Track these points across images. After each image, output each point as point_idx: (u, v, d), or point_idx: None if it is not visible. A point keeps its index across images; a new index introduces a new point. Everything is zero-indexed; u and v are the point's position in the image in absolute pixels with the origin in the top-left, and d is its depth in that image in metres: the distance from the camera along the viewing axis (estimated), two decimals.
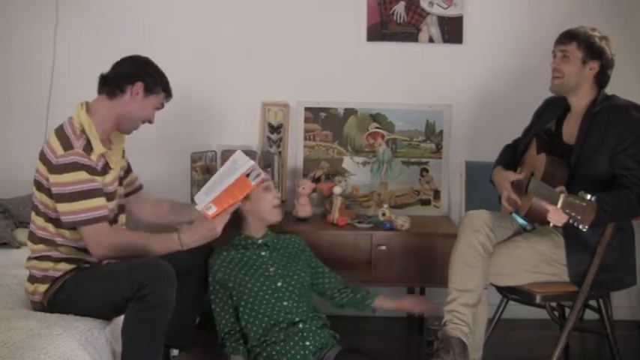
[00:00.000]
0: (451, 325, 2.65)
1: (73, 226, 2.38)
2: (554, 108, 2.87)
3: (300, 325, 2.59)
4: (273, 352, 2.54)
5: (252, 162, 2.54)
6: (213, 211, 2.49)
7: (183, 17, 3.74)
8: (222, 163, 3.70)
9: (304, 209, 3.54)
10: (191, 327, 2.71)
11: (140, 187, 2.83)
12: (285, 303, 2.63)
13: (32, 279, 2.46)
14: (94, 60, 3.74)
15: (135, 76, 2.48)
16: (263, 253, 2.75)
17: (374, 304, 2.83)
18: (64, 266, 2.44)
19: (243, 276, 2.67)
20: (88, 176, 2.35)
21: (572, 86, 2.70)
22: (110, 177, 2.49)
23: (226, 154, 3.72)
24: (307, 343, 2.55)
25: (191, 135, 3.77)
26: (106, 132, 2.51)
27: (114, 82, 2.48)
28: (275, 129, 3.77)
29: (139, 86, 2.48)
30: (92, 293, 2.36)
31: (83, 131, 2.41)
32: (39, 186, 2.42)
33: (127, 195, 2.74)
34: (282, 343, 2.55)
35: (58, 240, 2.44)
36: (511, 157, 2.96)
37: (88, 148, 2.40)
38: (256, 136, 3.78)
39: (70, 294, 2.39)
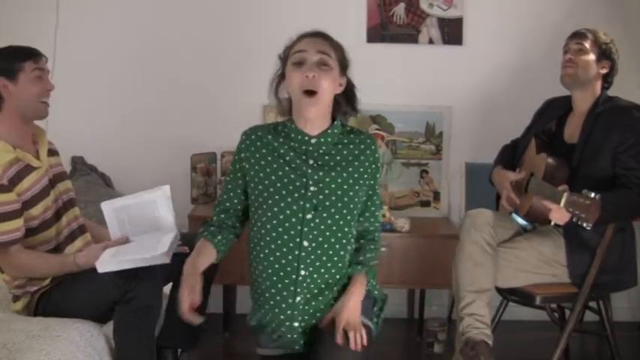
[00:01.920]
0: (474, 330, 2.59)
1: None
2: (555, 108, 2.88)
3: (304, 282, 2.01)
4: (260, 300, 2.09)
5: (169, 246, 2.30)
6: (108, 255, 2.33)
7: (184, 18, 3.74)
8: (223, 165, 3.72)
9: None
10: (195, 329, 2.69)
11: None
12: (305, 243, 2.00)
13: (14, 298, 2.46)
14: (95, 62, 3.78)
15: None
16: (309, 171, 2.04)
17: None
18: (38, 280, 2.40)
19: (267, 186, 2.04)
20: None
21: (585, 80, 2.72)
22: (34, 177, 2.38)
23: (227, 155, 3.72)
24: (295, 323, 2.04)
25: (191, 137, 3.77)
26: (19, 136, 2.40)
27: None
28: None
29: (1, 82, 2.35)
30: (81, 299, 2.34)
31: None
32: None
33: None
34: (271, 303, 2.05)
35: None
36: (510, 157, 2.96)
37: None
38: None
39: (59, 303, 2.37)
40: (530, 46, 3.69)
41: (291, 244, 2.01)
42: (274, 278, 2.04)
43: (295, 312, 2.04)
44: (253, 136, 2.10)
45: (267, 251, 2.04)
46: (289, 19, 3.74)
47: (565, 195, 2.26)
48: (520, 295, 2.73)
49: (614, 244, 2.63)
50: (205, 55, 3.75)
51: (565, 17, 3.62)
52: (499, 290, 2.82)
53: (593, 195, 2.21)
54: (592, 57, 2.71)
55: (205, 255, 2.08)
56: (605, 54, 2.72)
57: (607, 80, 2.75)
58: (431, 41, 3.73)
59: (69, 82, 3.71)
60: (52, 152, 2.58)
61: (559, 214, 2.38)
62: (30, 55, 2.40)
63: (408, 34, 3.73)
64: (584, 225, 2.23)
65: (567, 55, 2.75)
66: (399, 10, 3.71)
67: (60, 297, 2.37)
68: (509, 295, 2.80)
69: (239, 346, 3.47)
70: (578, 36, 2.75)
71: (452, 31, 3.71)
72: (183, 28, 3.74)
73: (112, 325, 2.34)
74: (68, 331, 2.21)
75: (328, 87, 2.03)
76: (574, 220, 2.27)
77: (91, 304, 2.33)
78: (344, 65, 2.11)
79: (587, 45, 2.71)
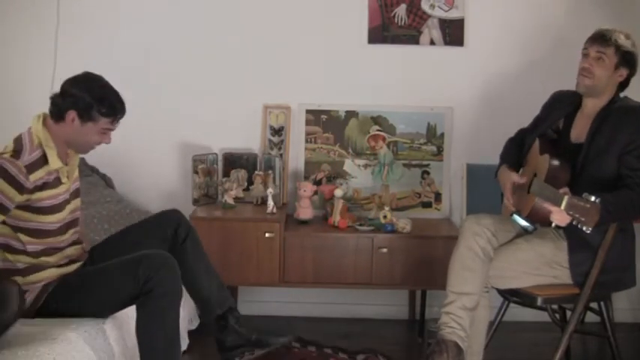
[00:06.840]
0: (447, 328, 2.64)
1: None
2: (564, 105, 2.84)
3: None
4: None
5: None
6: None
7: (185, 20, 3.74)
8: (224, 166, 3.72)
9: (305, 212, 3.54)
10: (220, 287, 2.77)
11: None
12: None
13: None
14: (96, 62, 3.77)
15: (70, 104, 2.36)
16: None
17: None
18: (37, 277, 2.38)
19: None
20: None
21: (600, 90, 2.68)
22: (60, 190, 2.41)
23: (227, 157, 3.72)
24: None
25: (192, 138, 3.77)
26: (62, 148, 2.44)
27: (54, 106, 2.39)
28: (276, 131, 3.77)
29: (72, 114, 2.36)
30: (92, 296, 2.36)
31: (40, 145, 2.34)
32: None
33: None
34: None
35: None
36: (516, 154, 2.95)
37: (41, 161, 2.33)
38: (257, 138, 3.78)
39: (64, 300, 2.37)
40: (531, 47, 3.69)
41: None
42: None
43: None
44: None
45: None
46: (290, 19, 3.75)
47: (566, 198, 2.26)
48: (521, 297, 2.74)
49: (615, 244, 2.63)
50: (206, 55, 3.75)
51: (566, 17, 3.62)
52: (500, 291, 2.82)
53: (593, 199, 2.21)
54: (611, 67, 2.63)
55: None
56: (626, 62, 2.64)
57: (623, 85, 2.70)
58: (432, 42, 3.73)
59: None
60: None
61: (560, 217, 2.38)
62: (113, 113, 2.41)
63: (410, 35, 3.73)
64: (584, 228, 2.23)
65: (585, 63, 2.67)
66: (401, 11, 3.71)
67: (67, 296, 2.37)
68: (510, 296, 2.80)
69: None
70: (600, 43, 2.64)
71: (453, 32, 3.71)
72: (184, 28, 3.74)
73: (120, 320, 2.37)
74: (65, 333, 2.21)
75: None
76: (574, 223, 2.27)
77: (105, 300, 2.36)
78: None
79: (608, 53, 2.62)
